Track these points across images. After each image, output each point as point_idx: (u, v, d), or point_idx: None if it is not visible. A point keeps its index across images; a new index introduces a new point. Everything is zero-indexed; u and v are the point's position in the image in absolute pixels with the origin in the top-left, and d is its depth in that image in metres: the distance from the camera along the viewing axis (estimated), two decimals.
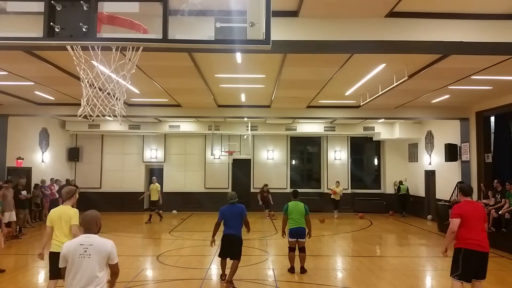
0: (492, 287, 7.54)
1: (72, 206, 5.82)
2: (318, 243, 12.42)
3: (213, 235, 7.57)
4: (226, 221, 7.51)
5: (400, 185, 19.08)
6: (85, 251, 3.63)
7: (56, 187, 17.13)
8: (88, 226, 3.82)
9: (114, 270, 3.86)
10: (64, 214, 5.64)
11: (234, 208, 7.64)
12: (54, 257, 5.15)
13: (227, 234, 7.40)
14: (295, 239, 8.27)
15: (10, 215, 11.65)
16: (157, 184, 16.32)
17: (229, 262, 7.42)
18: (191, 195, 19.99)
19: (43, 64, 8.89)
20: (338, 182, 18.37)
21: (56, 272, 4.99)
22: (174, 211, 18.84)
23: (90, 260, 3.63)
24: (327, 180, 20.40)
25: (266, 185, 18.03)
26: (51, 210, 5.86)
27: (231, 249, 7.34)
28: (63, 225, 5.60)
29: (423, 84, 10.74)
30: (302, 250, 8.27)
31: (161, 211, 16.41)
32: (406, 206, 18.67)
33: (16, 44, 3.03)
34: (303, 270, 8.17)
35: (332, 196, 17.98)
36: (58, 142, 18.56)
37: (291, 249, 8.33)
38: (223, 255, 7.52)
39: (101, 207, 18.93)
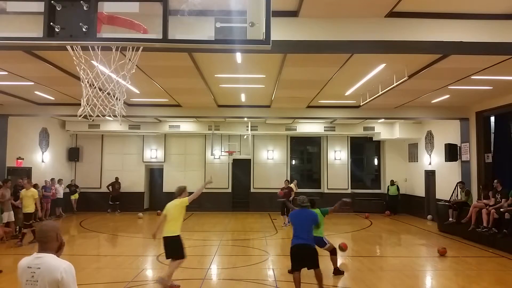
0: (492, 287, 7.55)
1: None
2: None
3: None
4: (294, 228, 6.58)
5: (390, 186, 19.21)
6: (32, 276, 2.74)
7: (59, 187, 17.20)
8: (45, 241, 2.82)
9: None
10: (177, 204, 7.06)
11: (305, 213, 6.66)
12: (164, 240, 7.00)
13: (296, 244, 6.43)
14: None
15: (9, 215, 11.62)
16: (33, 189, 11.65)
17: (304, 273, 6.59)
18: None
19: (43, 64, 8.88)
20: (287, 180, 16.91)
21: (168, 253, 7.01)
22: (140, 214, 17.83)
23: None
24: (327, 180, 20.42)
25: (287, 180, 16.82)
26: (169, 203, 7.18)
27: (303, 260, 6.45)
28: (175, 213, 7.00)
29: (423, 84, 10.74)
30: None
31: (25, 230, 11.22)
32: (396, 207, 18.85)
33: (16, 44, 3.03)
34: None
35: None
36: (58, 142, 18.56)
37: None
38: (295, 266, 6.52)
39: (101, 207, 19.16)
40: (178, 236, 7.02)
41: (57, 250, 2.86)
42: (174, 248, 6.99)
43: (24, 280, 2.77)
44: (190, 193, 7.19)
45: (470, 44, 6.24)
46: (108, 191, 19.37)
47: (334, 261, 8.05)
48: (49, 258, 2.78)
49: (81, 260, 9.07)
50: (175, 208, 7.04)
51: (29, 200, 11.30)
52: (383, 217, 18.27)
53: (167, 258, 7.08)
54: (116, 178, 19.63)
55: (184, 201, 7.05)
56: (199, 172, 20.42)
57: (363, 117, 15.96)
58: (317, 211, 7.68)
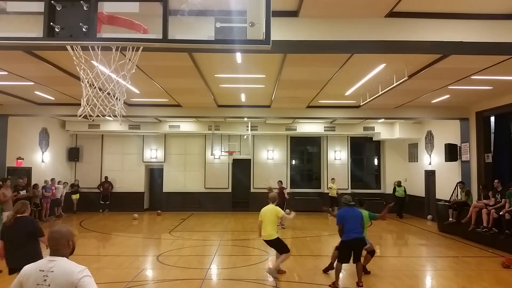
0: (492, 287, 7.55)
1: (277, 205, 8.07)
2: (318, 243, 12.45)
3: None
4: (347, 224, 7.17)
5: (397, 187, 18.41)
6: (45, 280, 2.68)
7: (59, 187, 17.19)
8: (56, 247, 2.82)
9: None
10: (272, 210, 7.83)
11: (353, 210, 7.38)
12: (267, 243, 7.94)
13: (352, 239, 7.10)
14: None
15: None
16: None
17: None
18: (191, 195, 19.98)
19: (43, 64, 8.88)
20: (334, 179, 19.46)
21: (278, 250, 7.97)
22: (135, 215, 17.49)
23: None
24: (327, 180, 20.41)
25: (280, 181, 16.87)
26: (263, 208, 7.97)
27: (352, 254, 7.14)
28: (270, 218, 7.76)
29: (423, 84, 10.74)
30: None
31: None
32: (402, 209, 18.11)
33: (16, 44, 3.03)
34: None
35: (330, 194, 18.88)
36: (58, 142, 18.56)
37: None
38: (344, 260, 7.24)
39: (101, 207, 19.17)
40: (277, 238, 7.81)
41: (69, 254, 2.90)
42: (278, 247, 7.91)
43: (33, 284, 2.69)
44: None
45: (470, 44, 6.24)
46: (99, 191, 19.47)
47: (367, 260, 8.24)
48: (63, 262, 2.78)
49: (81, 260, 9.05)
50: (270, 213, 7.82)
51: None
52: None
53: (280, 254, 7.95)
54: (106, 178, 19.68)
55: (278, 211, 7.87)
56: (199, 172, 20.42)
57: (363, 117, 15.96)
58: (365, 212, 8.03)
